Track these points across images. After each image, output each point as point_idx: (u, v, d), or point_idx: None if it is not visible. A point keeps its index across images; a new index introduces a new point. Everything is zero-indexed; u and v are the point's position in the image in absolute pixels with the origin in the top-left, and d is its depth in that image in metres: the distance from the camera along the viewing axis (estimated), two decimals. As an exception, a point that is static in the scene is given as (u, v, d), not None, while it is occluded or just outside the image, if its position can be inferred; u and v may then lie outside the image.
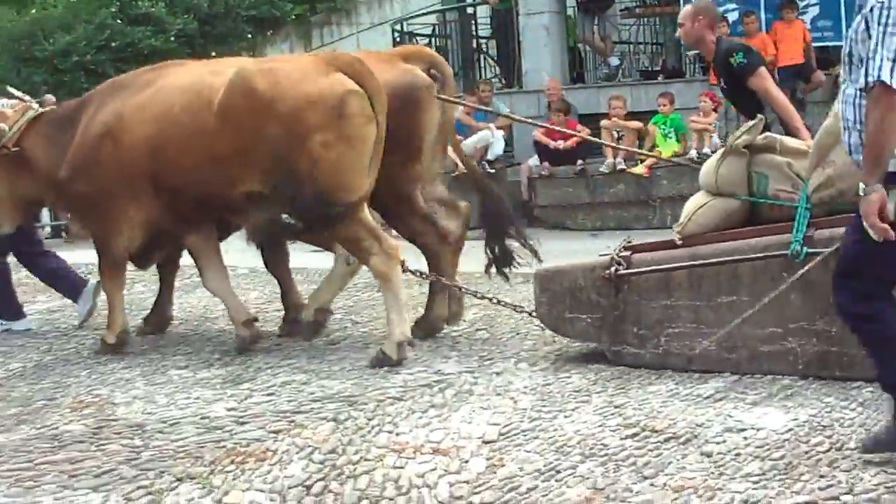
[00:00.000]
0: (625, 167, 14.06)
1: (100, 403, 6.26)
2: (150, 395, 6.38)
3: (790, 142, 6.55)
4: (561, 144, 14.39)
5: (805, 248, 5.80)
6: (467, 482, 4.74)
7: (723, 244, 6.21)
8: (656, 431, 5.23)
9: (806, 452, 4.82)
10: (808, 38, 14.13)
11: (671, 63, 16.90)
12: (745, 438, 5.05)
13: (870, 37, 4.28)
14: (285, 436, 5.38)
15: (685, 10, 8.06)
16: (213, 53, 20.54)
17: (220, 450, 5.24)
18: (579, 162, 14.37)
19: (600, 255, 6.77)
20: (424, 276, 7.73)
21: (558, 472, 4.79)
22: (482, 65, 18.07)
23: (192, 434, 5.52)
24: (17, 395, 6.62)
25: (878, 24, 4.25)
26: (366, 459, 5.03)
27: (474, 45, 18.19)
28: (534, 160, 14.73)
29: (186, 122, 7.08)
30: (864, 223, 4.36)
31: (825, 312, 5.70)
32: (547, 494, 4.57)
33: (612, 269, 6.48)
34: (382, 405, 5.85)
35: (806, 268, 5.67)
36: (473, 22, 18.13)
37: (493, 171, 14.70)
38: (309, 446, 5.21)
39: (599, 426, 5.34)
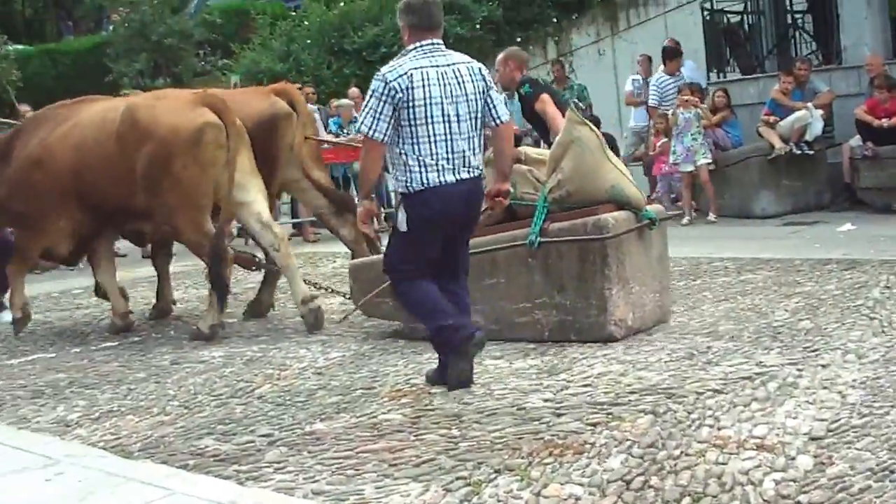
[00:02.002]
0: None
1: (417, 393, 6.36)
2: (466, 385, 6.43)
3: (532, 152, 8.16)
4: (885, 122, 13.63)
5: (539, 239, 7.34)
6: (794, 480, 4.51)
7: (485, 237, 7.50)
8: None
9: None
10: None
11: None
12: None
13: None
14: (603, 428, 5.30)
15: (498, 57, 9.80)
16: (518, 39, 20.67)
17: (538, 441, 5.20)
18: (906, 140, 13.57)
19: None
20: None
21: (892, 471, 4.49)
22: (798, 41, 17.37)
23: (509, 425, 5.51)
24: (337, 384, 6.82)
25: (371, 90, 6.17)
26: (687, 454, 4.88)
27: (788, 20, 17.48)
28: (856, 140, 13.98)
29: (98, 150, 8.90)
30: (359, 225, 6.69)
31: (561, 288, 7.35)
32: (881, 495, 4.28)
33: None
34: (702, 398, 5.68)
35: None
36: (787, -3, 17.47)
37: (811, 152, 14.16)
38: (628, 440, 5.10)
39: (938, 423, 5.00)
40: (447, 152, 6.15)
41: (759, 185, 14.31)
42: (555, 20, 20.93)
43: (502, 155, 6.66)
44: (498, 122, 6.41)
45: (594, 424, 5.38)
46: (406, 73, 6.10)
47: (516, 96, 9.96)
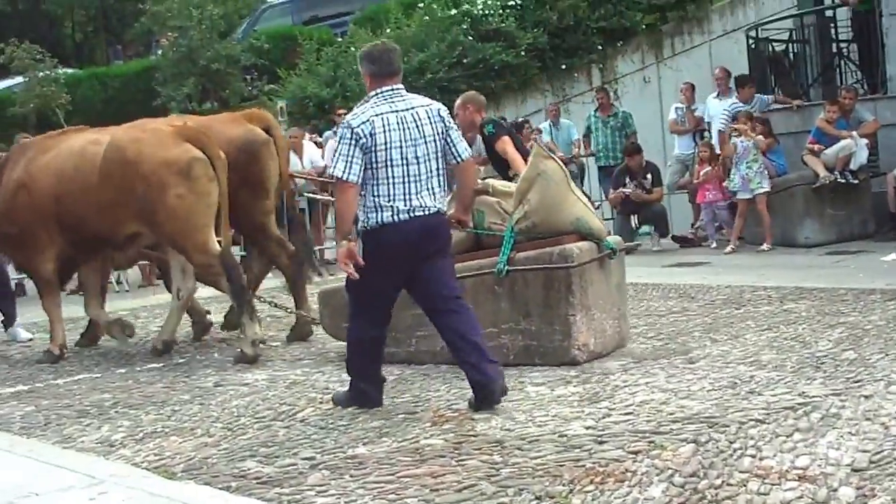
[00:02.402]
0: None
1: (459, 418, 6.38)
2: (508, 411, 6.44)
3: (499, 185, 8.44)
4: (931, 152, 13.55)
5: (507, 267, 7.70)
6: (836, 512, 4.51)
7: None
8: None
9: None
10: None
11: None
12: None
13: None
14: (645, 457, 5.30)
15: (456, 103, 10.15)
16: (563, 66, 20.71)
17: (579, 469, 5.21)
18: (951, 170, 13.48)
19: None
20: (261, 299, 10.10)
21: (936, 505, 4.48)
22: (843, 70, 17.32)
23: (550, 452, 5.52)
24: (379, 408, 6.83)
25: (339, 137, 6.64)
26: (728, 484, 4.87)
27: (834, 49, 17.43)
28: (901, 169, 13.95)
29: (79, 180, 9.17)
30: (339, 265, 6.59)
31: (527, 314, 7.70)
32: (925, 529, 4.28)
33: None
34: (744, 427, 5.66)
35: None
36: (832, 25, 17.33)
37: (856, 181, 14.09)
38: (669, 468, 5.10)
39: (983, 457, 4.97)
40: (403, 194, 6.50)
41: (804, 213, 14.23)
42: (600, 47, 20.95)
43: (464, 189, 7.14)
44: (459, 160, 6.74)
45: (636, 452, 5.37)
46: (368, 120, 6.48)
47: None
